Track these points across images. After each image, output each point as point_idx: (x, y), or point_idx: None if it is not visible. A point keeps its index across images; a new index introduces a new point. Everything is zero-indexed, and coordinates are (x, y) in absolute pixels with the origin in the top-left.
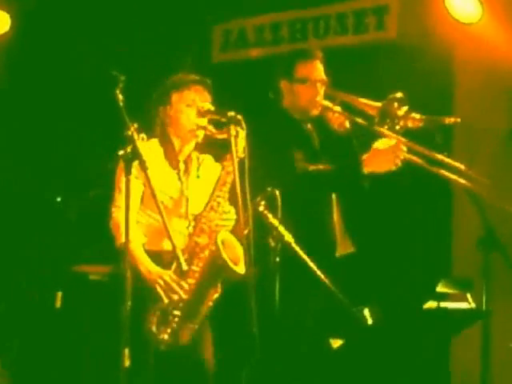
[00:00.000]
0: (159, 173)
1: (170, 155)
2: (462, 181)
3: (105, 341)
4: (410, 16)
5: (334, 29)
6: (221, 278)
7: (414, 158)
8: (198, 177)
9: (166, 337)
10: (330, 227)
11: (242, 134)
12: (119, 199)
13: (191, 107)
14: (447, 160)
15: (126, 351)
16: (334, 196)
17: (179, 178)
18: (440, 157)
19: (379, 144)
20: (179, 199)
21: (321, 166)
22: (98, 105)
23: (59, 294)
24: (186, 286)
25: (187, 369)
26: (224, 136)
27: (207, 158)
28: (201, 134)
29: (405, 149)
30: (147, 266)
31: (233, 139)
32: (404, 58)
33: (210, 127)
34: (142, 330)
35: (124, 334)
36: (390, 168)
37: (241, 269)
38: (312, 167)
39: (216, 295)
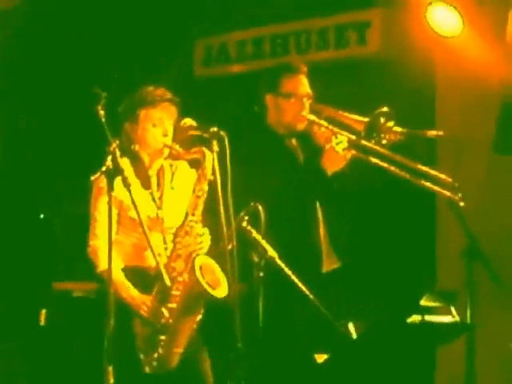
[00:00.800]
0: (134, 192)
1: (141, 172)
2: (446, 192)
3: (89, 358)
4: (391, 30)
5: (315, 43)
6: (201, 302)
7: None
8: (172, 188)
9: (154, 363)
10: (316, 242)
11: (210, 156)
12: (95, 227)
13: (157, 127)
14: (431, 172)
15: (110, 369)
16: (319, 211)
17: (152, 198)
18: (424, 168)
19: (328, 145)
20: (154, 218)
21: None
22: (81, 121)
23: (43, 311)
24: (166, 312)
25: None
26: (191, 156)
27: (181, 165)
28: (166, 151)
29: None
30: (130, 292)
31: (213, 155)
32: (386, 73)
33: (177, 147)
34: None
35: (108, 351)
36: (343, 162)
37: (221, 292)
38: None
39: (199, 317)
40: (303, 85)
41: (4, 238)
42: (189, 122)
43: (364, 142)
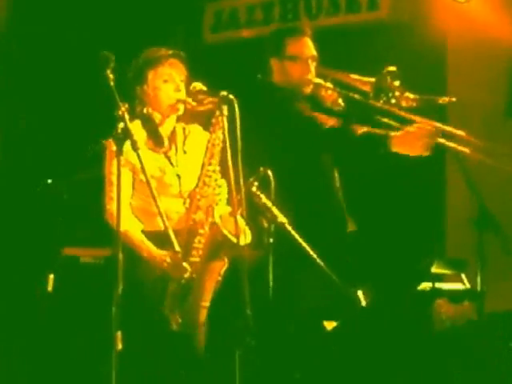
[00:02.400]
0: (146, 155)
1: (154, 134)
2: (461, 148)
3: (97, 324)
4: None
5: (326, 8)
6: (225, 252)
7: (447, 143)
8: (184, 152)
9: (179, 319)
10: (338, 204)
11: (225, 118)
12: (111, 191)
13: (168, 82)
14: (447, 128)
15: (119, 334)
16: (336, 176)
17: (167, 158)
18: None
19: (412, 128)
20: (170, 179)
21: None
22: (87, 86)
23: (51, 276)
24: (189, 267)
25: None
26: (205, 107)
27: (194, 129)
28: (181, 107)
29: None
30: (149, 250)
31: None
32: (397, 38)
33: (190, 100)
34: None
35: (116, 317)
36: (422, 153)
37: (244, 240)
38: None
39: (224, 269)
40: (308, 47)
41: (12, 204)
42: (198, 86)
43: (372, 102)
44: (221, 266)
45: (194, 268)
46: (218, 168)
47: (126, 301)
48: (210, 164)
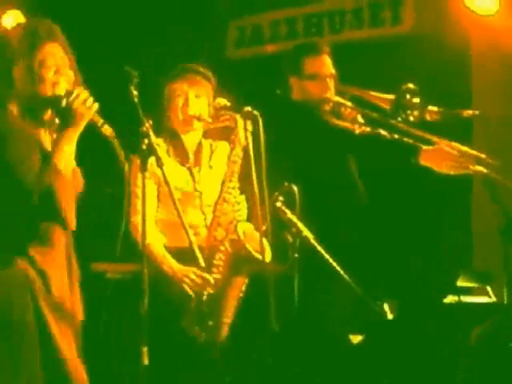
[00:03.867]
0: (171, 169)
1: (178, 149)
2: (483, 170)
3: (124, 339)
4: (426, 9)
5: (349, 23)
6: (246, 269)
7: (480, 170)
8: (210, 167)
9: (203, 335)
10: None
11: (242, 122)
12: (136, 203)
13: (180, 97)
14: (468, 150)
15: (145, 349)
16: (360, 185)
17: (190, 173)
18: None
19: (445, 145)
20: (192, 194)
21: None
22: (112, 101)
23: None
24: (211, 280)
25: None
26: (222, 124)
27: (221, 145)
28: (196, 123)
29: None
30: (171, 265)
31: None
32: (421, 51)
33: (205, 117)
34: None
35: (143, 332)
36: (450, 172)
37: (267, 256)
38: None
39: (244, 286)
40: (326, 65)
41: None
42: (222, 102)
43: (390, 120)
44: (242, 283)
45: (215, 284)
46: (237, 185)
47: (153, 315)
48: (230, 181)
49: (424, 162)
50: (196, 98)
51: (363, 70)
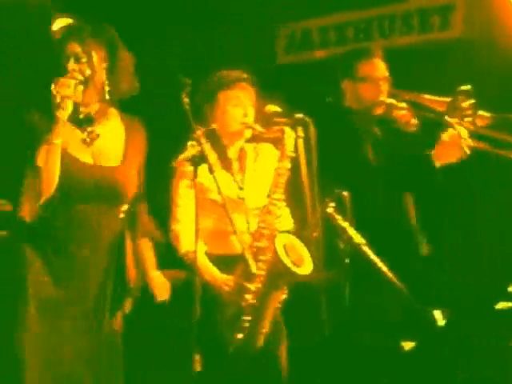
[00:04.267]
0: (215, 175)
1: (222, 155)
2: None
3: (175, 346)
4: (475, 14)
5: (398, 28)
6: (285, 281)
7: (481, 145)
8: (255, 171)
9: (239, 344)
10: (408, 227)
11: (290, 133)
12: (176, 211)
13: (237, 106)
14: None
15: (197, 357)
16: (409, 196)
17: (234, 179)
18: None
19: (445, 136)
20: (236, 200)
21: None
22: (163, 109)
23: (129, 300)
24: (252, 290)
25: (262, 368)
26: (273, 135)
27: (266, 148)
28: (248, 132)
29: (467, 137)
30: (212, 273)
31: (297, 139)
32: (471, 56)
33: (257, 126)
34: (215, 335)
35: (193, 339)
36: (459, 157)
37: (305, 269)
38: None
39: (283, 297)
40: (379, 68)
41: None
42: (273, 108)
43: (447, 120)
44: (281, 294)
45: (255, 294)
46: (282, 196)
47: (203, 323)
48: (275, 192)
49: (439, 162)
50: (250, 107)
51: (413, 76)
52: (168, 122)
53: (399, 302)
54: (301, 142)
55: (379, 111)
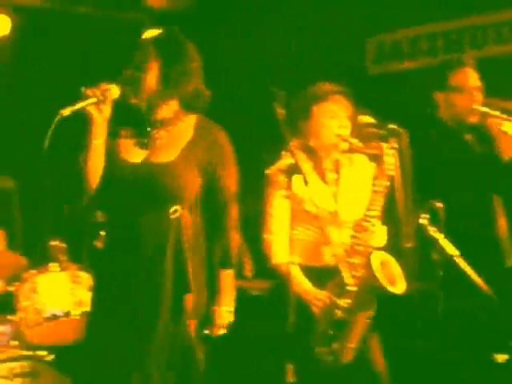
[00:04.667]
0: (310, 187)
1: (317, 167)
2: None
3: (267, 356)
4: None
5: (491, 38)
6: (375, 298)
7: None
8: (349, 182)
9: (328, 357)
10: (496, 236)
11: (389, 151)
12: (270, 222)
13: (333, 119)
14: None
15: (291, 367)
16: (498, 203)
17: (328, 191)
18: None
19: (507, 128)
20: (331, 212)
21: None
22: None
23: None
24: (342, 305)
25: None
26: (370, 151)
27: (359, 159)
28: (344, 145)
29: None
30: (304, 286)
31: (393, 152)
32: None
33: (354, 140)
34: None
35: (287, 349)
36: None
37: (399, 288)
38: None
39: (372, 313)
40: (471, 78)
41: None
42: (366, 119)
43: None
44: (371, 310)
45: (345, 309)
46: (379, 214)
47: (296, 332)
48: (371, 210)
49: (505, 153)
50: (346, 120)
51: (506, 85)
52: (263, 132)
53: (492, 313)
54: (394, 153)
55: (473, 120)
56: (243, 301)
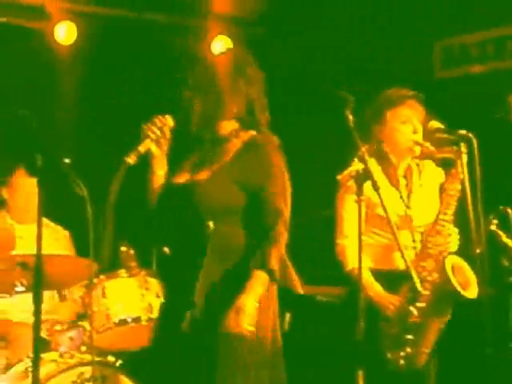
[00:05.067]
0: (382, 193)
1: (389, 172)
2: None
3: (336, 362)
4: None
5: None
6: (450, 303)
7: None
8: (420, 186)
9: (401, 362)
10: None
11: (464, 156)
12: (342, 226)
13: (406, 124)
14: None
15: (360, 373)
16: None
17: (401, 196)
18: None
19: None
20: (403, 216)
21: None
22: (325, 125)
23: (287, 315)
24: (415, 311)
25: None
26: (443, 155)
27: (427, 164)
28: (418, 150)
29: None
30: (376, 290)
31: (462, 157)
32: None
33: (427, 144)
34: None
35: (357, 355)
36: None
37: (471, 293)
38: None
39: (447, 318)
40: None
41: None
42: (436, 124)
43: None
44: (446, 316)
45: (419, 313)
46: (452, 217)
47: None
48: (444, 213)
49: None
50: (419, 124)
51: None
52: (332, 138)
53: None
54: (464, 158)
55: None
56: (313, 307)
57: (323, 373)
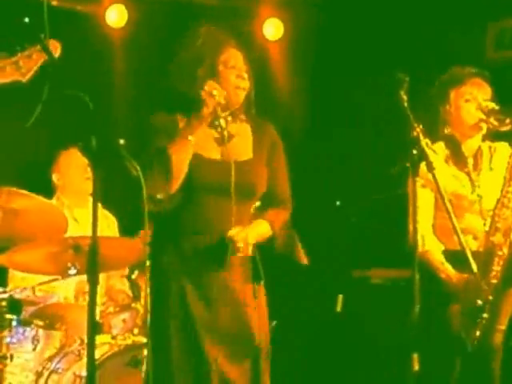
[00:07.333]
0: (449, 175)
1: (457, 154)
2: None
3: (390, 344)
4: None
5: None
6: None
7: None
8: (490, 169)
9: (475, 341)
10: None
11: None
12: (413, 211)
13: (470, 102)
14: None
15: (415, 356)
16: None
17: (470, 178)
18: None
19: None
20: (472, 199)
21: None
22: (382, 106)
23: (340, 297)
24: (488, 286)
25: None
26: (506, 128)
27: (501, 146)
28: (484, 127)
29: None
30: (447, 272)
31: None
32: None
33: (492, 119)
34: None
35: (413, 338)
36: None
37: None
38: None
39: None
40: None
41: (302, 225)
42: (490, 105)
43: None
44: None
45: (492, 290)
46: None
47: (422, 322)
48: (509, 185)
49: None
50: (484, 102)
51: None
52: (387, 118)
53: None
54: None
55: None
56: (373, 290)
57: (377, 355)
